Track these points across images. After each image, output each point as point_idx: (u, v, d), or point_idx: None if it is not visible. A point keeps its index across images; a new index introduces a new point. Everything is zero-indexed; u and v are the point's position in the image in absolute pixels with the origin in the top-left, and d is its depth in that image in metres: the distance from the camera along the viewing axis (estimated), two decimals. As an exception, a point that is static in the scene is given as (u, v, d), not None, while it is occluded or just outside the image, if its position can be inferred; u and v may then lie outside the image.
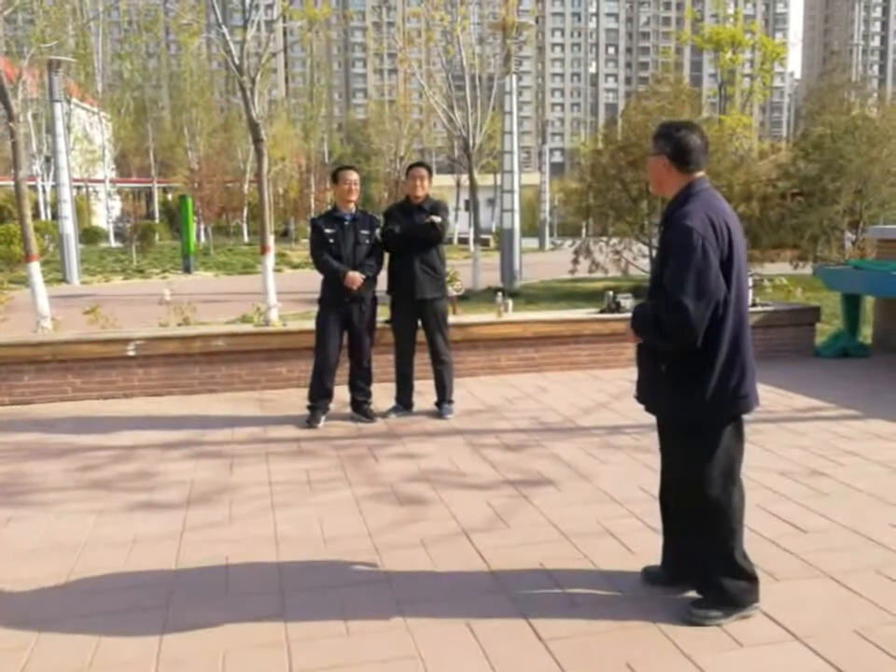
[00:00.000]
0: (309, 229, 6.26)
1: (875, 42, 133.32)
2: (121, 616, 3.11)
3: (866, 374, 7.53)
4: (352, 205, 6.04)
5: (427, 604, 3.15)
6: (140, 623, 3.05)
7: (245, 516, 4.17)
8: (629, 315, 3.16)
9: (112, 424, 6.13)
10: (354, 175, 6.03)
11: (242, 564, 3.58)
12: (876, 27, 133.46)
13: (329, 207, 6.23)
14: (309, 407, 6.05)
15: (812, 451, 5.15)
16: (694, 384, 2.93)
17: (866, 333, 9.14)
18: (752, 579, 3.07)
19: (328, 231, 5.96)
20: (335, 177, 6.05)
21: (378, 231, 6.13)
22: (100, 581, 3.43)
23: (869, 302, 9.42)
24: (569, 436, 5.63)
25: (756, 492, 4.32)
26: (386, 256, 6.21)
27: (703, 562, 3.03)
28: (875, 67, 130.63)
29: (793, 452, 5.13)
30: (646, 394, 3.15)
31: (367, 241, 6.02)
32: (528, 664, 2.75)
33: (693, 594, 3.13)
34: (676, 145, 3.02)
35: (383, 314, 6.28)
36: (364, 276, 5.91)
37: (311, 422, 5.96)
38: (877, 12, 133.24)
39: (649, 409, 3.19)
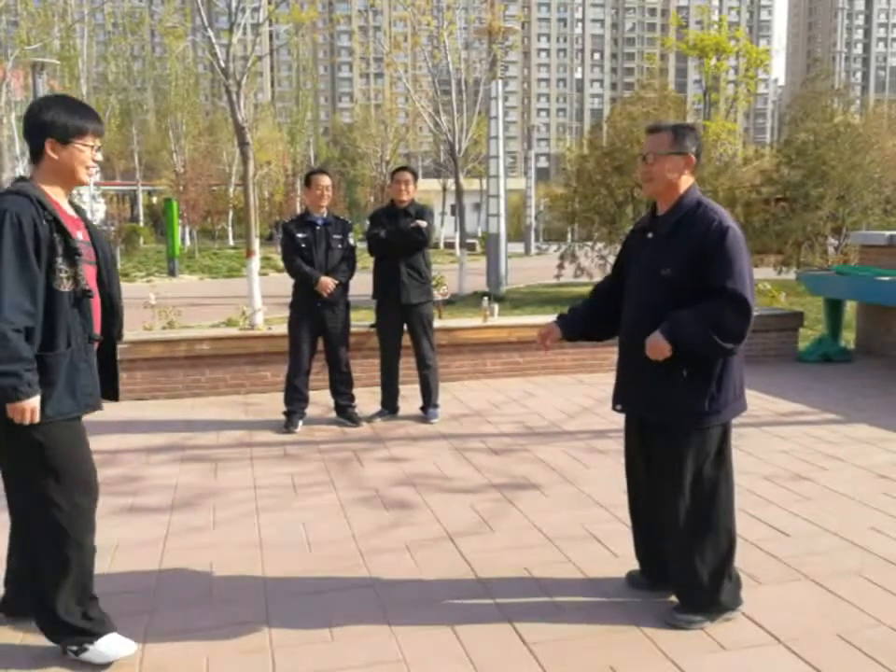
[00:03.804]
0: (280, 233, 6.24)
1: (858, 50, 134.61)
2: (104, 622, 3.08)
3: (849, 379, 7.58)
4: (323, 210, 6.01)
5: (412, 608, 3.14)
6: (122, 628, 3.01)
7: (230, 521, 4.16)
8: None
9: (95, 427, 6.05)
10: (326, 180, 5.99)
11: (225, 569, 3.56)
12: (859, 35, 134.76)
13: (301, 211, 6.21)
14: (285, 412, 6.03)
15: (795, 455, 5.18)
16: (716, 386, 2.93)
17: (848, 338, 9.22)
18: (738, 581, 3.09)
19: (299, 235, 5.92)
20: (307, 181, 6.02)
21: (351, 235, 6.13)
22: (82, 587, 3.40)
23: (852, 307, 9.50)
24: (554, 440, 5.64)
25: (740, 496, 4.32)
26: (372, 260, 6.21)
27: (694, 566, 2.99)
28: (858, 75, 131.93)
29: (776, 456, 5.16)
30: (654, 401, 3.00)
31: (339, 246, 5.99)
32: (513, 668, 2.75)
33: (675, 598, 3.13)
34: (700, 144, 3.02)
35: (368, 318, 6.27)
36: (336, 282, 5.90)
37: (288, 426, 5.95)
38: (860, 20, 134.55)
39: (657, 415, 3.03)
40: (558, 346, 7.94)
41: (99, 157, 2.87)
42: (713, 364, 2.93)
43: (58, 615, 2.76)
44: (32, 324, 2.62)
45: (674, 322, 2.89)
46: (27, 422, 2.61)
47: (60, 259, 2.68)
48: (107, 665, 2.78)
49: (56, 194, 2.78)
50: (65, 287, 2.70)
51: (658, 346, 2.90)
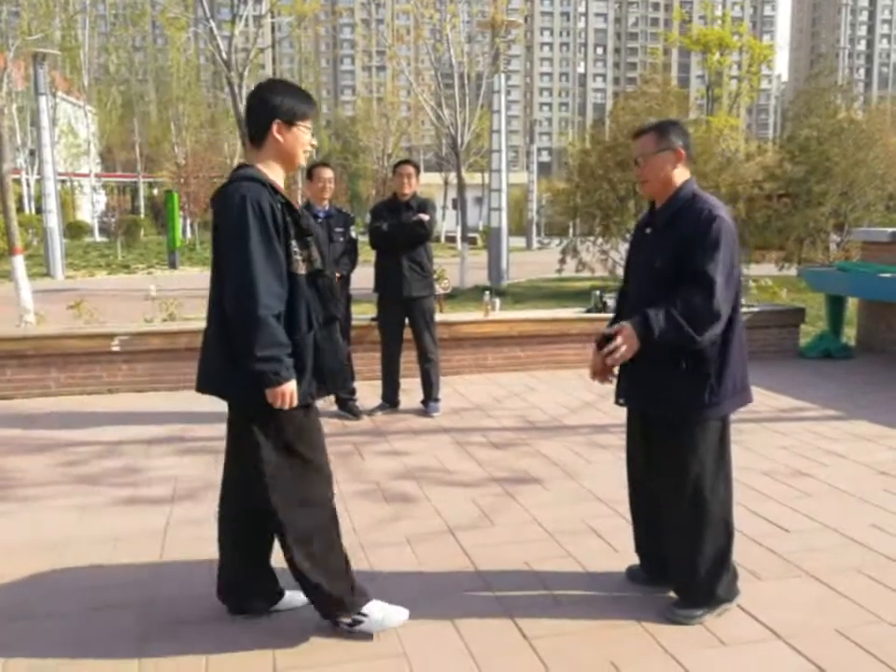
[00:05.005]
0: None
1: (862, 46, 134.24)
2: (104, 613, 3.08)
3: (850, 375, 7.58)
4: (325, 202, 6.00)
5: (413, 602, 3.14)
6: (122, 620, 3.03)
7: (230, 513, 4.14)
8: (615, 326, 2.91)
9: (96, 419, 6.08)
10: (328, 173, 5.98)
11: (226, 561, 3.55)
12: (863, 31, 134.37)
13: (303, 204, 6.22)
14: None
15: (796, 451, 5.18)
16: (716, 379, 2.92)
17: (850, 334, 9.21)
18: (735, 574, 3.10)
19: None
20: (309, 174, 6.00)
21: (353, 228, 6.12)
22: (82, 578, 3.40)
23: (853, 304, 9.49)
24: (556, 435, 5.64)
25: (740, 492, 4.33)
26: (374, 253, 6.20)
27: (693, 560, 2.99)
28: (862, 71, 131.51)
29: (777, 452, 5.16)
30: (653, 394, 3.01)
31: (341, 239, 5.98)
32: (513, 662, 2.75)
33: (674, 593, 3.13)
34: (687, 137, 3.03)
35: (370, 311, 6.27)
36: (338, 275, 5.89)
37: None
38: (864, 16, 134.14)
39: (656, 408, 3.04)
40: (559, 342, 7.96)
41: (315, 141, 2.89)
42: (712, 356, 2.92)
43: (332, 595, 2.83)
44: (283, 308, 2.65)
45: (645, 319, 2.85)
46: (286, 406, 2.64)
47: (294, 242, 2.71)
48: (380, 630, 2.90)
49: (276, 177, 2.78)
50: (301, 269, 2.72)
51: (629, 343, 2.86)
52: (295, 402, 2.66)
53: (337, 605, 2.86)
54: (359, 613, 2.88)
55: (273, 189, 2.69)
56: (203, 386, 2.84)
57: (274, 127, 2.73)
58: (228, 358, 2.69)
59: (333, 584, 2.83)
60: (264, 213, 2.61)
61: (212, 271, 2.77)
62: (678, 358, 2.91)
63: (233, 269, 2.62)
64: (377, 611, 2.91)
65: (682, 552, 3.04)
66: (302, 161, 2.85)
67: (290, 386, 2.64)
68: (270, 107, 2.73)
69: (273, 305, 2.59)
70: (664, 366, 2.95)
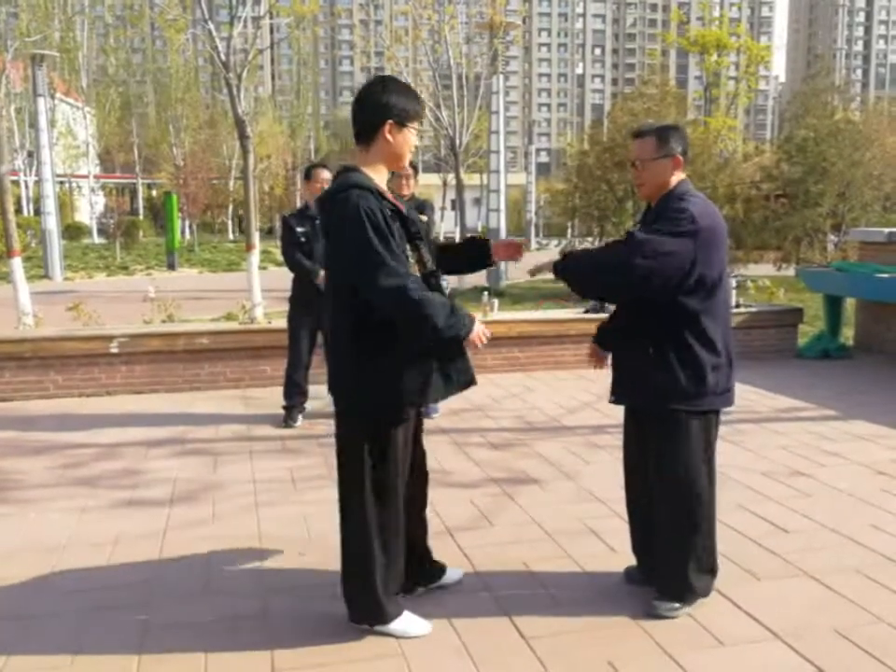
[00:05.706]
0: (279, 226, 6.25)
1: (859, 47, 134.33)
2: (103, 615, 3.09)
3: (847, 375, 7.59)
4: None
5: (411, 602, 3.14)
6: (122, 621, 3.03)
7: (229, 514, 4.16)
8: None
9: (94, 421, 6.08)
10: (326, 174, 5.96)
11: (225, 562, 3.56)
12: (860, 32, 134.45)
13: (301, 205, 6.22)
14: (284, 407, 6.02)
15: (794, 451, 5.19)
16: (694, 376, 2.95)
17: (848, 334, 9.22)
18: (714, 569, 3.13)
19: (299, 229, 5.89)
20: (308, 175, 6.00)
21: None
22: (81, 580, 3.40)
23: (851, 304, 9.50)
24: (554, 435, 5.64)
25: (738, 492, 4.36)
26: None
27: (675, 555, 3.02)
28: (859, 72, 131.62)
29: (775, 452, 5.17)
30: (633, 387, 3.09)
31: None
32: (511, 662, 2.75)
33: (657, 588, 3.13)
34: (685, 142, 3.06)
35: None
36: None
37: (287, 421, 5.94)
38: (861, 17, 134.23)
39: (636, 402, 3.13)
40: (558, 342, 7.96)
41: (417, 142, 2.87)
42: (682, 348, 2.95)
43: (378, 594, 2.85)
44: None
45: (574, 252, 3.24)
46: (485, 342, 2.72)
47: (407, 247, 2.72)
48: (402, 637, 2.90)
49: (380, 179, 2.76)
50: (416, 271, 2.74)
51: (539, 267, 3.21)
52: (489, 333, 2.74)
53: (377, 608, 2.87)
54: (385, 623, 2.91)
55: (380, 195, 2.68)
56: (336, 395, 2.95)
57: (386, 127, 2.70)
58: (356, 371, 2.77)
59: (387, 581, 2.87)
60: (378, 219, 2.61)
61: (329, 278, 2.82)
62: (645, 345, 2.98)
63: (368, 277, 2.61)
64: (402, 621, 2.91)
65: (665, 545, 3.07)
66: (406, 162, 2.83)
67: (478, 327, 2.70)
68: (383, 107, 2.69)
69: (419, 286, 2.61)
70: (643, 359, 3.01)
